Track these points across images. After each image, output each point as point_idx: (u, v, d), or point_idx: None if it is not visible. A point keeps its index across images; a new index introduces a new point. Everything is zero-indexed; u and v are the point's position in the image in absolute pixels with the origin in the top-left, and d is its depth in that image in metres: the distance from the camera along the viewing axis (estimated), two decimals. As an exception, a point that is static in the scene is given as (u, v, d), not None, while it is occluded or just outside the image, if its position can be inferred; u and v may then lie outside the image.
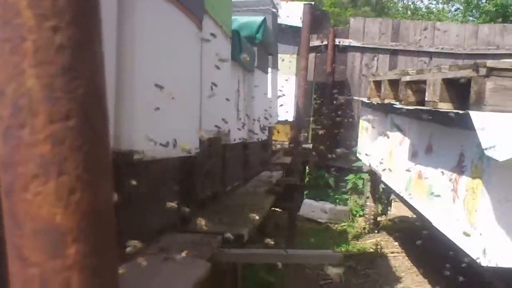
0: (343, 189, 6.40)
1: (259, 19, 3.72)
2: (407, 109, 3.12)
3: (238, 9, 4.39)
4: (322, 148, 6.07)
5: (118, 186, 1.52)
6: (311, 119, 6.65)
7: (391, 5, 20.80)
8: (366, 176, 5.67)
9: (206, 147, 2.34)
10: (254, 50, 3.66)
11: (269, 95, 4.78)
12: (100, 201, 0.39)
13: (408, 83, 3.08)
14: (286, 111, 5.72)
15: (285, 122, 5.89)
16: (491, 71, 2.09)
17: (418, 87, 3.01)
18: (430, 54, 6.40)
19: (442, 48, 6.35)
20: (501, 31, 6.36)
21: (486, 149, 1.96)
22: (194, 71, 2.20)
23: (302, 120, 5.72)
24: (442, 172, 2.65)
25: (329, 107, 6.58)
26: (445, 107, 2.54)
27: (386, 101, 3.73)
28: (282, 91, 5.44)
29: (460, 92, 2.47)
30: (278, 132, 5.83)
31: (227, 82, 2.83)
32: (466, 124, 2.20)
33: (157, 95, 1.63)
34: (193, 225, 2.08)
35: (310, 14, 5.15)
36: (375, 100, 4.14)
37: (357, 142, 5.57)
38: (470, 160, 2.31)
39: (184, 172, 2.12)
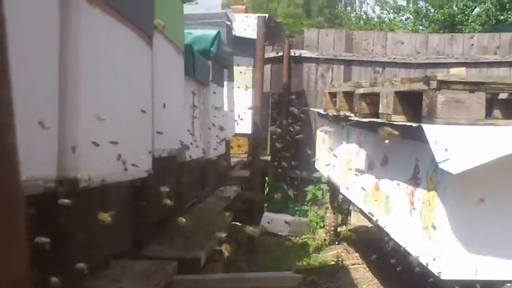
0: (303, 200, 6.40)
1: (213, 32, 3.66)
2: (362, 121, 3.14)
3: (192, 22, 4.33)
4: (281, 160, 6.07)
5: (62, 215, 1.42)
6: (269, 130, 6.64)
7: (344, 15, 21.25)
8: (325, 186, 5.69)
9: (159, 167, 2.25)
10: (208, 63, 3.61)
11: (226, 108, 4.72)
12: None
13: (362, 96, 3.10)
14: (244, 123, 5.68)
15: (243, 135, 5.85)
16: (441, 84, 2.11)
17: (372, 99, 3.03)
18: (383, 64, 6.53)
19: (394, 58, 6.50)
20: (449, 40, 6.58)
21: (440, 162, 1.97)
22: (145, 89, 2.12)
23: (260, 132, 5.69)
24: (398, 184, 2.67)
25: (286, 118, 6.59)
26: (399, 119, 2.56)
27: (342, 113, 3.75)
28: (239, 103, 5.40)
29: (413, 104, 2.50)
30: (238, 146, 5.78)
31: (181, 98, 2.76)
32: (420, 137, 2.22)
33: (103, 119, 1.54)
34: (146, 250, 1.99)
35: (265, 26, 5.15)
36: (331, 112, 4.16)
37: (315, 152, 5.59)
38: (425, 172, 2.33)
39: (135, 195, 2.03)
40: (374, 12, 17.92)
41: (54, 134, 1.38)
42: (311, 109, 6.04)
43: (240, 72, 5.53)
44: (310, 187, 6.25)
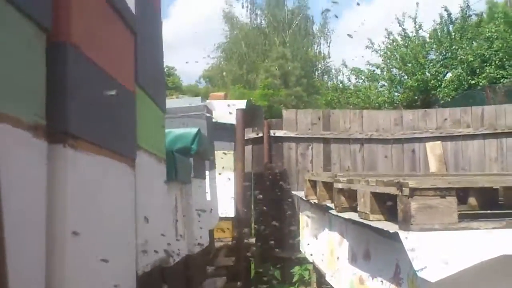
0: (290, 282, 6.32)
1: (193, 130, 3.78)
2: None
3: (172, 116, 4.48)
4: (265, 241, 6.05)
5: None
6: (253, 212, 6.67)
7: (321, 85, 22.02)
8: (311, 266, 5.66)
9: (144, 282, 2.26)
10: (190, 161, 3.70)
11: (208, 197, 4.77)
12: None
13: (341, 190, 3.19)
14: (227, 207, 5.71)
15: (226, 219, 5.86)
16: (414, 191, 2.21)
17: (350, 193, 3.12)
18: (361, 141, 6.73)
19: (371, 135, 6.71)
20: (423, 116, 6.85)
21: (418, 270, 2.02)
22: (128, 210, 2.17)
23: (243, 215, 5.72)
24: (381, 281, 2.70)
25: (269, 198, 6.64)
26: (376, 218, 2.63)
27: (322, 202, 3.82)
28: (222, 187, 5.47)
29: (391, 202, 2.59)
30: (222, 230, 5.77)
31: (164, 206, 2.81)
32: (398, 238, 2.28)
33: (88, 247, 1.58)
34: None
35: (244, 114, 5.33)
36: (312, 200, 4.24)
37: (299, 232, 5.60)
38: (406, 274, 2.38)
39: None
40: (349, 81, 18.54)
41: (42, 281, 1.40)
42: (293, 192, 6.12)
43: (222, 158, 5.64)
44: (296, 268, 6.20)
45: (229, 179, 5.87)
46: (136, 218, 2.27)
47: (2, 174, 1.18)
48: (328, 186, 3.73)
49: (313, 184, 4.28)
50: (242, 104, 5.70)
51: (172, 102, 4.85)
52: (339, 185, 3.20)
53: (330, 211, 3.43)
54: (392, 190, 2.38)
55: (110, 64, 1.86)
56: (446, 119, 6.70)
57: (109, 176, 1.91)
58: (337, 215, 3.57)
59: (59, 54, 1.49)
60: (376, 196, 2.64)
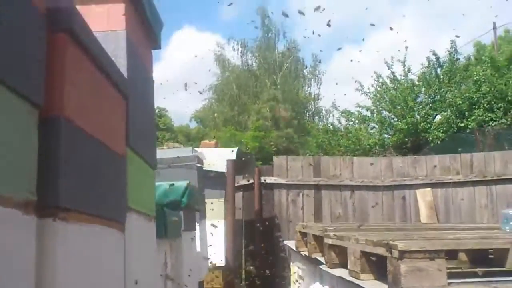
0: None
1: (183, 183, 3.79)
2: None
3: (163, 166, 4.49)
4: (257, 290, 5.95)
5: None
6: (243, 260, 6.59)
7: (312, 127, 22.20)
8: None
9: None
10: (180, 215, 3.68)
11: (199, 248, 4.72)
12: None
13: (331, 245, 3.19)
14: (217, 256, 5.64)
15: (216, 268, 5.77)
16: (403, 253, 2.22)
17: (340, 249, 3.11)
18: (351, 188, 6.75)
19: (361, 181, 6.74)
20: (412, 162, 6.92)
21: (409, 337, 2.01)
22: (118, 275, 2.15)
23: (234, 263, 5.65)
24: None
25: (260, 246, 6.58)
26: (367, 278, 2.62)
27: (313, 255, 3.80)
28: (212, 235, 5.41)
29: (380, 261, 2.58)
30: (211, 279, 5.68)
31: (153, 264, 2.78)
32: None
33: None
34: None
35: (236, 161, 5.36)
36: (303, 252, 4.22)
37: (290, 282, 5.53)
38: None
39: None
40: (340, 123, 18.73)
41: None
42: (284, 242, 6.08)
43: (212, 209, 5.61)
44: (289, 318, 6.08)
45: (220, 227, 5.83)
46: (126, 282, 2.24)
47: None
48: (318, 239, 3.73)
49: (304, 235, 4.27)
50: (233, 153, 5.73)
51: (163, 153, 4.87)
52: (330, 241, 3.19)
53: (321, 266, 3.41)
54: (382, 251, 2.38)
55: (102, 132, 1.88)
56: (435, 165, 6.77)
57: (99, 243, 1.90)
58: (326, 271, 3.55)
59: (52, 128, 1.51)
60: (366, 254, 2.64)
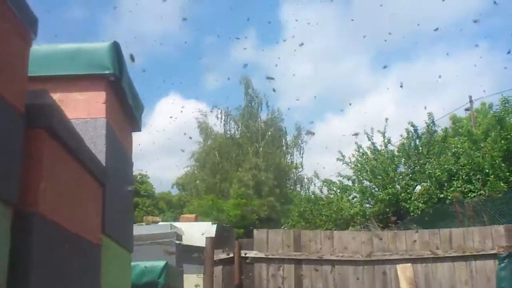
0: None
1: (161, 263, 3.75)
2: None
3: (142, 243, 4.43)
4: None
5: None
6: None
7: (294, 195, 22.22)
8: None
9: None
10: (156, 296, 3.60)
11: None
12: None
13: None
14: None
15: None
16: None
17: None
18: (332, 262, 6.67)
19: (342, 256, 6.68)
20: (393, 237, 6.91)
21: None
22: None
23: None
24: None
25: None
26: None
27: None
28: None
29: None
30: None
31: None
32: None
33: None
34: None
35: (216, 236, 5.31)
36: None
37: None
38: None
39: None
40: (322, 192, 18.80)
41: None
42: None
43: (196, 286, 5.49)
44: None
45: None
46: None
47: None
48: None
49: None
50: (212, 227, 5.70)
51: (142, 229, 4.84)
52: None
53: None
54: None
55: (77, 223, 1.89)
56: (415, 240, 6.77)
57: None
58: None
59: (25, 224, 1.52)
60: None
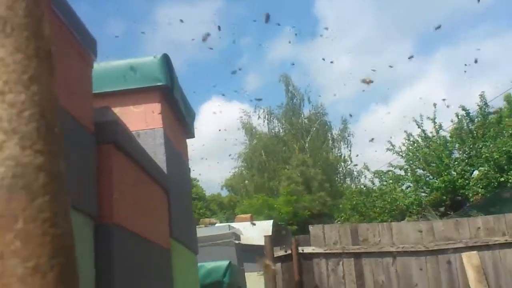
0: None
1: (224, 263, 3.81)
2: None
3: (202, 244, 4.52)
4: None
5: None
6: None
7: (345, 188, 21.97)
8: None
9: None
10: (222, 296, 3.67)
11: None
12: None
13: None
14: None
15: None
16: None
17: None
18: (393, 254, 6.56)
19: (403, 247, 6.55)
20: (455, 225, 6.71)
21: None
22: None
23: None
24: None
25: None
26: None
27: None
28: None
29: None
30: None
31: None
32: None
33: None
34: None
35: (272, 235, 5.34)
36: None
37: None
38: None
39: None
40: (373, 183, 18.48)
41: None
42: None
43: (253, 280, 5.55)
44: None
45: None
46: None
47: None
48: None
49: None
50: (268, 225, 5.74)
51: (201, 231, 4.93)
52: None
53: None
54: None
55: (148, 229, 1.96)
56: (479, 227, 6.55)
57: None
58: None
59: (105, 234, 1.60)
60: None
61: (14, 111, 0.49)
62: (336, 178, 27.25)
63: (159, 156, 2.49)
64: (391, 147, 16.97)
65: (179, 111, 2.91)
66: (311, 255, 6.82)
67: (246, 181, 30.06)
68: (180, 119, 3.04)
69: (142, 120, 2.58)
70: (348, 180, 27.50)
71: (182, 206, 2.79)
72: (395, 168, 17.31)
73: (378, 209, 17.01)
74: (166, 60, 2.60)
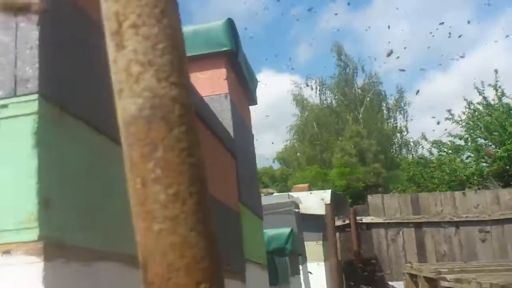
0: None
1: (286, 230, 3.85)
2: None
3: (264, 213, 4.58)
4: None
5: None
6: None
7: (401, 159, 21.44)
8: None
9: None
10: (287, 262, 3.72)
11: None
12: None
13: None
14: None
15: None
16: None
17: (460, 293, 2.95)
18: (455, 224, 6.41)
19: (466, 217, 6.38)
20: (521, 193, 6.46)
21: None
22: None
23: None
24: None
25: (361, 286, 6.39)
26: (495, 325, 2.46)
27: (427, 299, 3.63)
28: (313, 279, 5.37)
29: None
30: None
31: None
32: None
33: None
34: None
35: (332, 206, 5.33)
36: (414, 295, 4.04)
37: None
38: None
39: None
40: (431, 154, 17.89)
41: None
42: (389, 283, 5.86)
43: (311, 249, 5.59)
44: None
45: (320, 269, 5.77)
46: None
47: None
48: (431, 281, 3.56)
49: (413, 277, 4.10)
50: (326, 194, 5.72)
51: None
52: (446, 283, 3.05)
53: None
54: (511, 297, 2.24)
55: (222, 193, 2.00)
56: (547, 195, 6.26)
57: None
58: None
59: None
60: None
61: (149, 44, 0.50)
62: (391, 149, 26.65)
63: (225, 122, 2.52)
64: (450, 116, 16.32)
65: (243, 77, 2.92)
66: (370, 225, 6.78)
67: (298, 154, 29.97)
68: (243, 85, 3.05)
69: (209, 86, 2.60)
70: (404, 151, 26.84)
71: (248, 171, 2.83)
72: (454, 138, 16.67)
73: (436, 180, 16.49)
74: (230, 25, 2.60)
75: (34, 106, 0.94)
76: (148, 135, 0.49)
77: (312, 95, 29.36)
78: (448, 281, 3.08)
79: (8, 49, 0.96)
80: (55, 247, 0.96)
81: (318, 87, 29.34)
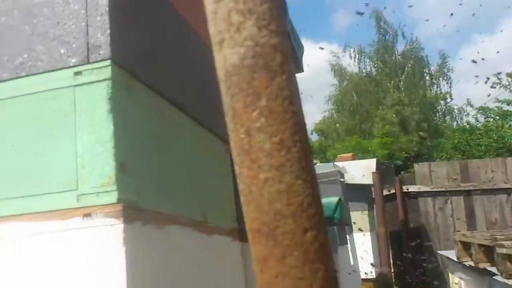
0: None
1: (334, 199, 3.84)
2: None
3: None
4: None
5: None
6: (392, 272, 6.40)
7: (445, 127, 20.90)
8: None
9: None
10: (335, 231, 3.73)
11: (352, 261, 4.72)
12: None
13: (506, 255, 2.97)
14: (367, 269, 5.57)
15: (367, 280, 5.69)
16: None
17: (517, 259, 2.88)
18: (507, 191, 6.22)
19: (518, 183, 6.18)
20: None
21: None
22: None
23: (386, 276, 5.52)
24: None
25: (409, 257, 6.34)
26: (559, 290, 2.40)
27: (481, 265, 3.57)
28: (360, 249, 5.37)
29: None
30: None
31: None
32: None
33: None
34: None
35: (380, 174, 5.27)
36: (467, 262, 3.97)
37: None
38: None
39: None
40: (477, 121, 17.34)
41: None
42: (439, 252, 5.79)
43: (357, 220, 5.57)
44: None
45: (366, 239, 5.76)
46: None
47: (216, 273, 1.35)
48: (486, 248, 3.49)
49: (465, 245, 4.02)
50: (371, 163, 5.65)
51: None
52: (504, 250, 2.98)
53: (493, 277, 3.19)
54: None
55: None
56: None
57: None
58: (501, 281, 3.30)
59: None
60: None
61: (248, -8, 0.49)
62: (434, 117, 25.97)
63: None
64: (497, 81, 15.71)
65: (290, 44, 2.88)
66: (417, 194, 6.67)
67: (337, 124, 29.63)
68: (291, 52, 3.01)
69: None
70: (447, 119, 26.12)
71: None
72: (502, 103, 16.09)
73: (483, 148, 16.03)
74: (278, -8, 2.56)
75: (108, 72, 0.96)
76: (251, 85, 0.49)
77: (350, 64, 28.81)
78: (506, 247, 3.01)
79: (79, 17, 0.98)
80: (132, 209, 0.99)
81: (357, 56, 28.74)
